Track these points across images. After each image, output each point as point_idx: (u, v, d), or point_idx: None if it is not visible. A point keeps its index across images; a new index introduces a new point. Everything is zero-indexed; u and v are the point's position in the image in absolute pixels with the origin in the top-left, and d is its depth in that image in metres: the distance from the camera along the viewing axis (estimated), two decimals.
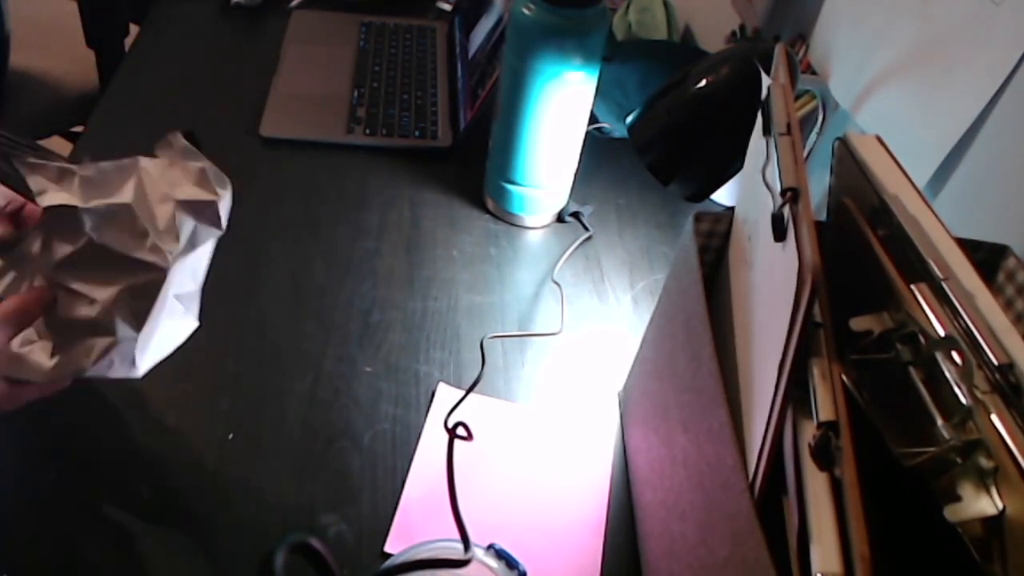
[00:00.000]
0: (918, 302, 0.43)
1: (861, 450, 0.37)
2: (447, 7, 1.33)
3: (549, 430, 0.72)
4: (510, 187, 0.90)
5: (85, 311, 0.48)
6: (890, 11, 0.74)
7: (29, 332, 0.49)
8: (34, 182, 0.47)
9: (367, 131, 1.03)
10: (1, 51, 1.33)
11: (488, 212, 0.94)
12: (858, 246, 0.49)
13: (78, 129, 1.49)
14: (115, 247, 0.47)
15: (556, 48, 0.77)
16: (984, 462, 0.37)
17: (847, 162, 0.52)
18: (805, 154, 0.84)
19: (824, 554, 0.36)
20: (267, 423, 0.69)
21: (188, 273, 0.51)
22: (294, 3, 1.28)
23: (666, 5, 1.13)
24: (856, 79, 0.78)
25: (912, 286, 0.44)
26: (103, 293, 0.48)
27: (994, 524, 0.36)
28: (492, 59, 0.99)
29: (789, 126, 0.49)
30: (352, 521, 0.63)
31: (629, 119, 0.80)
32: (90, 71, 1.48)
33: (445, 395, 0.73)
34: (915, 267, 0.46)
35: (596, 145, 1.03)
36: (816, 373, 0.41)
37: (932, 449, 0.38)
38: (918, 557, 0.41)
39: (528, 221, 0.93)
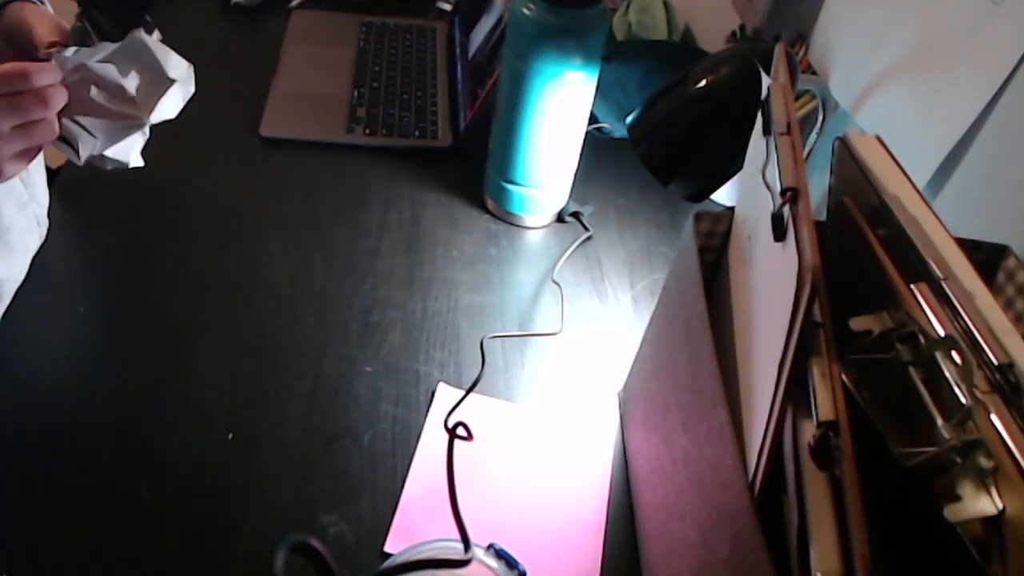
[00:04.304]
0: (918, 302, 0.43)
1: (861, 450, 0.37)
2: (447, 7, 1.33)
3: (549, 430, 0.72)
4: (510, 187, 0.90)
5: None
6: (890, 11, 0.74)
7: None
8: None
9: (367, 131, 1.03)
10: None
11: (488, 212, 0.94)
12: (858, 246, 0.49)
13: None
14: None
15: (556, 48, 0.77)
16: (984, 462, 0.37)
17: (847, 162, 0.52)
18: (805, 154, 0.84)
19: (824, 554, 0.36)
20: (267, 423, 0.69)
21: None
22: (294, 3, 1.28)
23: (666, 5, 1.13)
24: (856, 79, 0.78)
25: (912, 286, 0.44)
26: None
27: (994, 524, 0.36)
28: (492, 59, 0.99)
29: (789, 126, 0.49)
30: (352, 521, 0.63)
31: (629, 119, 0.80)
32: None
33: (445, 395, 0.73)
34: (915, 267, 0.46)
35: (596, 145, 1.03)
36: (816, 373, 0.41)
37: (932, 449, 0.38)
38: (918, 557, 0.41)
39: (528, 221, 0.93)
